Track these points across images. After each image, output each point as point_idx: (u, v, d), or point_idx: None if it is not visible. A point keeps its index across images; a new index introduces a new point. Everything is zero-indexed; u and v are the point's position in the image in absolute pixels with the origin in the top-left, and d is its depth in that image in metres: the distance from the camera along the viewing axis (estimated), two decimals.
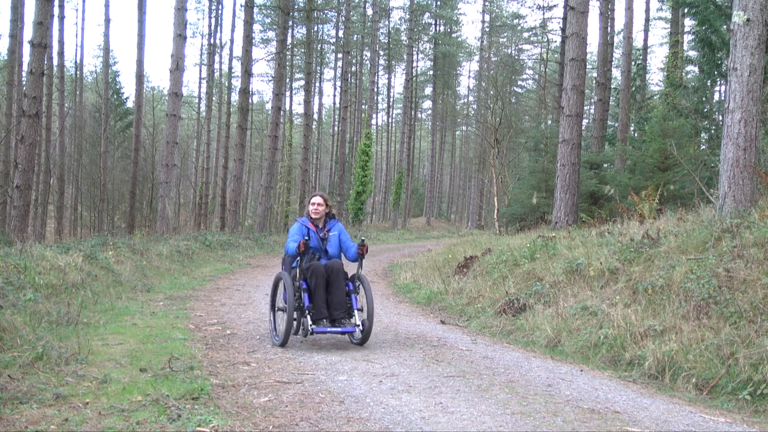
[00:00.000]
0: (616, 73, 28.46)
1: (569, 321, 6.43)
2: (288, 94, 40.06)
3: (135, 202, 25.89)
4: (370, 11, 38.27)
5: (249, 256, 16.75)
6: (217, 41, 35.52)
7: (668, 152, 11.91)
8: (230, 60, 33.69)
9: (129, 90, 55.17)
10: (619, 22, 23.84)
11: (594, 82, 24.83)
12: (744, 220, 6.68)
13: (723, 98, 14.99)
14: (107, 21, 28.13)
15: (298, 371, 5.03)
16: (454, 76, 50.46)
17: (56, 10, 22.61)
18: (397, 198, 38.61)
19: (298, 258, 6.11)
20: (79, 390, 4.25)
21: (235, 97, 30.96)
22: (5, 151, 19.37)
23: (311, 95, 29.93)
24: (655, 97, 24.06)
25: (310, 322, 5.82)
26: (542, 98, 29.74)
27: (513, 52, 47.34)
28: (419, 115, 55.01)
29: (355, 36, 39.22)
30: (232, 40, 34.11)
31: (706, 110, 15.25)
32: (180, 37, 18.53)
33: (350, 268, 6.34)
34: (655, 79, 38.94)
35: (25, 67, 18.45)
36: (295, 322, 5.95)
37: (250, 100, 30.20)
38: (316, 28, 38.44)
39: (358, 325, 5.91)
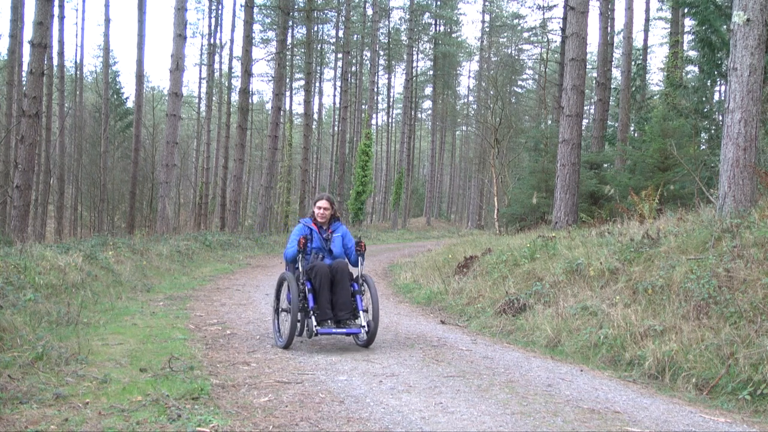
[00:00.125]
0: (616, 73, 28.48)
1: (569, 321, 6.43)
2: (288, 94, 40.07)
3: (135, 202, 25.89)
4: (370, 11, 38.28)
5: (249, 256, 16.75)
6: (217, 41, 35.56)
7: (668, 152, 11.91)
8: (230, 60, 33.71)
9: (129, 90, 55.22)
10: (619, 22, 23.87)
11: (594, 82, 24.83)
12: (744, 220, 6.67)
13: (723, 98, 15.00)
14: (107, 21, 28.14)
15: (298, 371, 5.03)
16: (454, 76, 50.47)
17: (56, 10, 22.62)
18: (397, 198, 38.61)
19: (301, 258, 6.06)
20: (79, 390, 4.25)
21: (235, 97, 30.98)
22: (5, 151, 19.37)
23: (311, 95, 29.93)
24: (655, 97, 24.07)
25: (314, 323, 5.72)
26: (542, 98, 29.74)
27: (513, 52, 47.35)
28: (419, 115, 55.02)
29: (355, 36, 39.23)
30: (232, 40, 34.15)
31: (706, 110, 15.25)
32: (180, 37, 18.53)
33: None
34: (655, 79, 38.98)
35: (25, 67, 18.45)
36: (299, 324, 5.87)
37: (250, 100, 30.20)
38: (316, 28, 38.45)
39: (364, 326, 5.81)
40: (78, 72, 34.18)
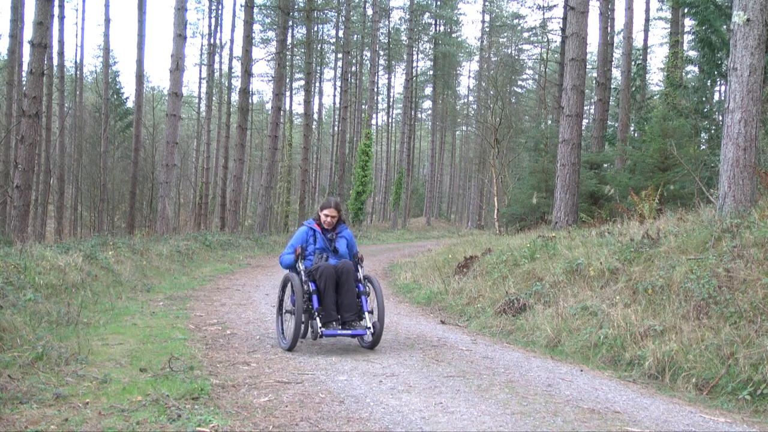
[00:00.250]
0: (616, 73, 28.49)
1: (569, 321, 6.43)
2: (288, 94, 40.08)
3: (135, 202, 25.90)
4: (370, 11, 38.28)
5: (249, 256, 16.75)
6: (217, 41, 35.56)
7: (668, 152, 11.90)
8: (230, 60, 33.71)
9: (129, 90, 55.27)
10: (619, 22, 23.87)
11: (594, 82, 24.83)
12: (744, 220, 6.67)
13: (723, 98, 15.00)
14: (107, 21, 28.14)
15: (298, 371, 5.03)
16: (454, 76, 50.47)
17: (56, 10, 22.62)
18: (397, 198, 38.61)
19: (300, 261, 6.00)
20: (79, 390, 4.24)
21: (235, 97, 30.98)
22: (5, 151, 19.38)
23: (311, 95, 29.93)
24: (655, 97, 24.07)
25: (319, 325, 5.63)
26: (542, 98, 29.74)
27: (513, 52, 47.36)
28: (419, 115, 55.03)
29: (355, 36, 39.23)
30: (232, 40, 34.15)
31: (706, 110, 15.25)
32: (180, 37, 18.53)
33: None
34: (655, 79, 38.99)
35: (25, 67, 18.46)
36: (303, 325, 5.79)
37: (250, 100, 30.21)
38: (316, 28, 38.47)
39: (369, 328, 5.72)
40: (78, 72, 34.19)
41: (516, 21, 43.24)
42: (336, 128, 42.79)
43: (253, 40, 25.74)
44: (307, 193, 34.13)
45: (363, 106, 40.24)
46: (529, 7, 42.12)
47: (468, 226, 39.99)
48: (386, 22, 44.52)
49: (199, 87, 42.00)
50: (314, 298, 5.76)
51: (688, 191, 11.88)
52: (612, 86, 24.51)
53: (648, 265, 6.73)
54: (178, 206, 36.24)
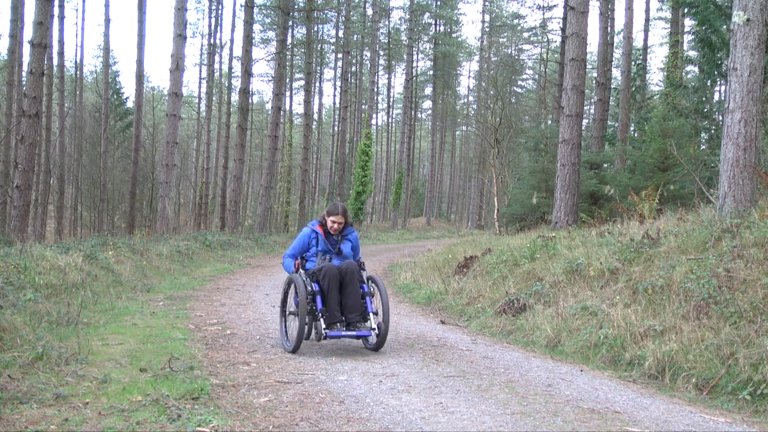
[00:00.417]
0: (616, 73, 28.49)
1: (569, 321, 6.43)
2: (288, 94, 40.08)
3: (135, 202, 25.90)
4: (370, 11, 38.28)
5: (249, 256, 16.75)
6: (217, 41, 35.56)
7: (668, 152, 11.91)
8: (230, 60, 33.71)
9: (129, 90, 55.26)
10: (619, 22, 23.88)
11: (594, 82, 24.83)
12: (744, 220, 6.67)
13: (723, 98, 15.00)
14: (107, 21, 28.14)
15: (298, 371, 5.03)
16: (454, 76, 50.47)
17: (56, 10, 22.62)
18: (397, 198, 38.61)
19: (305, 260, 5.96)
20: (79, 390, 4.24)
21: (235, 97, 30.98)
22: (5, 151, 19.38)
23: (311, 95, 29.93)
24: (655, 97, 24.07)
25: (323, 326, 5.54)
26: (542, 98, 29.74)
27: (513, 52, 47.36)
28: (419, 115, 55.03)
29: (355, 36, 39.22)
30: (232, 40, 34.15)
31: (706, 110, 15.25)
32: (180, 37, 18.53)
33: None
34: (655, 79, 39.00)
35: (25, 67, 18.46)
36: (306, 327, 5.73)
37: (250, 100, 30.21)
38: (316, 28, 38.46)
39: (374, 329, 5.65)
40: (78, 72, 34.19)
41: (516, 21, 43.26)
42: (336, 128, 42.80)
43: (253, 40, 25.74)
44: (307, 193, 34.12)
45: (363, 106, 40.24)
46: (529, 7, 42.18)
47: (468, 226, 40.00)
48: (386, 22, 44.53)
49: (199, 87, 42.04)
50: (318, 298, 5.69)
51: (688, 191, 11.88)
52: (612, 86, 24.51)
53: (648, 265, 6.73)
54: (178, 206, 36.24)
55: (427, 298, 9.74)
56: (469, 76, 54.51)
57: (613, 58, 26.24)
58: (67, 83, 32.56)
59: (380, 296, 5.80)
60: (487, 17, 44.83)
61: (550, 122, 24.15)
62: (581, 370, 5.30)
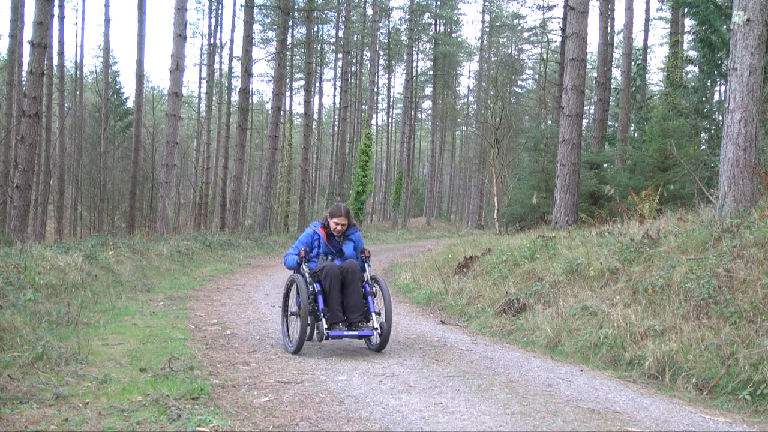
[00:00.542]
0: (616, 73, 28.48)
1: (569, 321, 6.43)
2: (288, 94, 40.07)
3: (135, 202, 25.90)
4: (370, 11, 38.28)
5: (249, 256, 16.75)
6: (217, 41, 35.56)
7: (668, 152, 11.91)
8: (230, 60, 33.71)
9: (129, 90, 55.24)
10: (619, 22, 23.87)
11: (594, 82, 24.83)
12: (744, 220, 6.67)
13: (723, 98, 15.00)
14: (107, 21, 28.14)
15: (298, 371, 5.03)
16: (454, 76, 50.47)
17: (56, 10, 22.62)
18: (397, 198, 38.61)
19: (305, 263, 5.91)
20: (79, 390, 4.24)
21: (235, 97, 30.98)
22: (5, 151, 19.38)
23: (311, 95, 29.93)
24: (655, 97, 24.07)
25: (325, 326, 5.52)
26: (542, 98, 29.74)
27: (513, 52, 47.36)
28: (419, 115, 55.03)
29: (355, 36, 39.22)
30: (232, 40, 34.15)
31: (706, 110, 15.25)
32: (180, 37, 18.53)
33: None
34: (655, 79, 39.00)
35: (25, 67, 18.46)
36: (308, 327, 5.69)
37: (250, 100, 30.20)
38: (316, 28, 38.46)
39: (377, 329, 5.61)
40: (78, 72, 34.19)
41: (516, 21, 43.25)
42: (336, 128, 42.80)
43: (253, 40, 25.75)
44: (307, 193, 34.11)
45: (363, 106, 40.24)
46: (529, 7, 42.19)
47: (468, 226, 40.00)
48: (386, 22, 44.53)
49: (199, 87, 42.04)
50: (319, 298, 5.66)
51: (688, 191, 11.88)
52: (612, 86, 24.50)
53: (648, 265, 6.73)
54: (178, 206, 36.24)
55: (427, 298, 9.74)
56: (469, 76, 54.58)
57: (613, 58, 26.24)
58: (67, 83, 32.56)
59: (383, 296, 5.76)
60: (487, 17, 44.85)
61: (550, 122, 24.15)
62: (581, 370, 5.30)
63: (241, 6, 29.47)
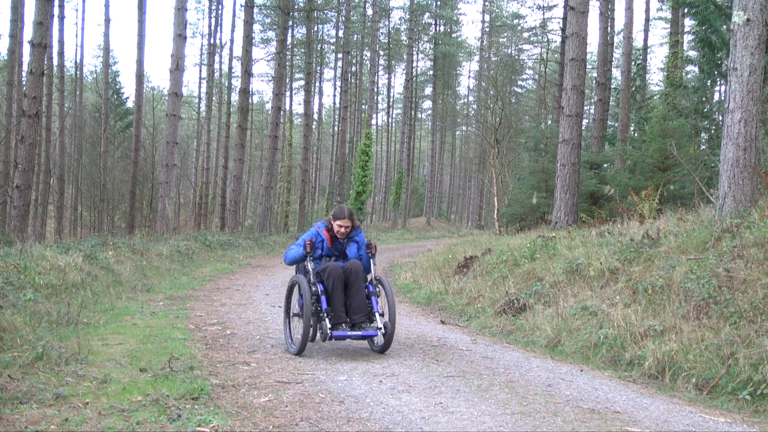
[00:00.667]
0: (616, 73, 28.48)
1: (569, 321, 6.43)
2: (288, 94, 40.08)
3: (135, 202, 25.90)
4: (370, 11, 38.27)
5: (249, 256, 16.75)
6: (217, 41, 35.56)
7: (668, 152, 11.91)
8: (230, 60, 33.71)
9: (129, 90, 55.24)
10: (619, 22, 23.87)
11: (594, 82, 24.83)
12: (744, 220, 6.67)
13: (723, 98, 15.00)
14: (107, 21, 28.15)
15: (298, 371, 5.03)
16: (454, 76, 50.47)
17: (56, 10, 22.62)
18: (397, 198, 38.61)
19: (309, 261, 5.82)
20: (79, 390, 4.24)
21: (235, 97, 30.98)
22: (5, 151, 19.38)
23: (311, 95, 29.93)
24: (655, 97, 24.07)
25: (329, 326, 5.46)
26: (542, 98, 29.74)
27: (513, 52, 47.37)
28: (419, 115, 55.03)
29: (355, 36, 39.22)
30: (232, 40, 34.15)
31: (706, 110, 15.25)
32: (180, 37, 18.53)
33: None
34: (655, 79, 39.01)
35: (25, 67, 18.46)
36: (311, 328, 5.64)
37: (250, 100, 30.21)
38: (316, 28, 38.46)
39: (380, 329, 5.55)
40: (78, 72, 34.19)
41: (516, 21, 43.26)
42: (336, 128, 42.79)
43: (253, 40, 25.75)
44: (307, 193, 34.12)
45: (363, 106, 40.24)
46: (529, 7, 42.17)
47: (468, 226, 40.00)
48: (386, 22, 44.53)
49: (199, 87, 42.04)
50: (323, 298, 5.61)
51: (688, 191, 11.88)
52: (612, 86, 24.50)
53: (648, 265, 6.73)
54: (178, 206, 36.25)
55: (427, 298, 9.74)
56: (469, 76, 54.58)
57: (613, 58, 26.24)
58: (67, 83, 32.56)
59: (386, 296, 5.72)
60: (487, 17, 44.85)
61: (550, 122, 24.14)
62: (581, 370, 5.30)
63: (241, 6, 29.50)
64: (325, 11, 35.55)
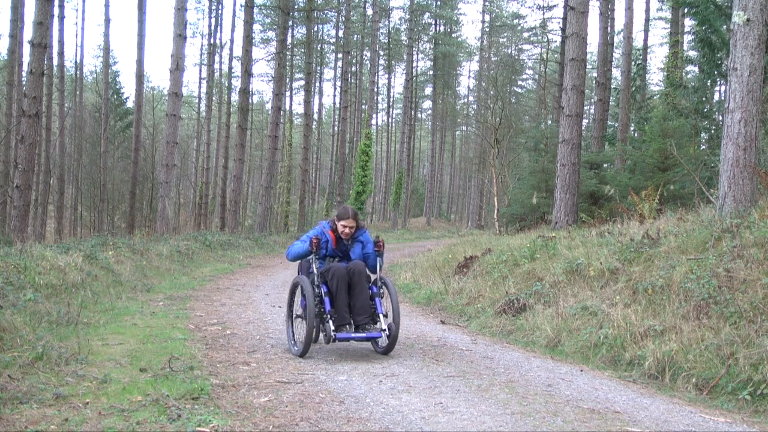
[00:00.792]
0: (616, 73, 28.48)
1: (569, 321, 6.43)
2: (288, 94, 40.07)
3: (135, 202, 25.90)
4: (370, 11, 38.28)
5: (249, 256, 16.75)
6: (217, 41, 35.56)
7: (668, 152, 11.91)
8: (230, 60, 33.71)
9: (129, 90, 55.21)
10: (619, 22, 23.87)
11: (594, 82, 24.83)
12: (744, 220, 6.67)
13: (723, 98, 14.99)
14: (107, 21, 28.15)
15: (298, 371, 5.03)
16: (454, 76, 50.47)
17: (56, 10, 22.61)
18: (397, 198, 38.60)
19: (314, 260, 5.75)
20: (79, 390, 4.24)
21: (235, 97, 30.98)
22: (5, 151, 19.38)
23: (311, 95, 29.93)
24: (655, 97, 24.07)
25: (332, 328, 5.41)
26: (542, 98, 29.74)
27: (513, 52, 47.36)
28: (419, 115, 55.02)
29: (355, 36, 39.22)
30: (232, 40, 34.16)
31: (706, 110, 15.25)
32: (180, 37, 18.53)
33: None
34: (655, 79, 39.01)
35: (25, 67, 18.46)
36: (314, 329, 5.58)
37: (250, 100, 30.21)
38: (316, 28, 38.46)
39: (384, 330, 5.49)
40: (78, 72, 34.18)
41: (516, 21, 43.26)
42: (336, 128, 42.80)
43: (253, 40, 25.75)
44: (307, 193, 34.12)
45: (363, 106, 40.24)
46: (529, 7, 42.20)
47: (468, 226, 40.00)
48: (386, 22, 44.52)
49: (199, 87, 42.05)
50: (326, 300, 5.55)
51: (688, 191, 11.88)
52: (612, 86, 24.50)
53: (648, 265, 6.73)
54: (178, 206, 36.25)
55: (427, 298, 9.74)
56: (469, 76, 54.57)
57: (613, 58, 26.24)
58: (67, 83, 32.56)
59: (390, 298, 5.66)
60: (487, 17, 44.84)
61: (550, 122, 24.14)
62: (581, 370, 5.30)
63: (241, 6, 29.50)
64: (325, 11, 35.56)
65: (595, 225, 10.79)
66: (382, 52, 44.13)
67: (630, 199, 10.79)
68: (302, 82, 40.39)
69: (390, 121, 54.33)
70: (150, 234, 17.53)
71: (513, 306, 7.44)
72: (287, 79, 37.47)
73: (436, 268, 11.51)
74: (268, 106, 45.16)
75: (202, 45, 41.80)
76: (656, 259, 6.76)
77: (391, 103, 53.14)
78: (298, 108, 46.91)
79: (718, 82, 18.04)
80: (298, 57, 41.19)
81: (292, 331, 5.88)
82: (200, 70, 44.12)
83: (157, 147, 33.34)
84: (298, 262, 6.12)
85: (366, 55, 43.11)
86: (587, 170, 15.80)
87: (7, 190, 17.33)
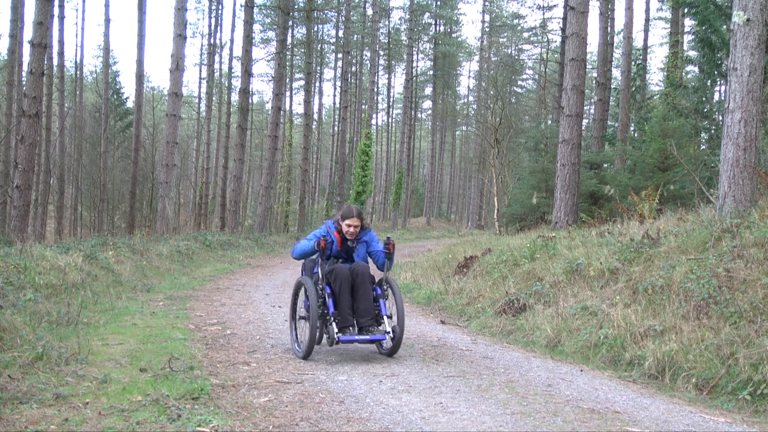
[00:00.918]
0: (616, 73, 28.48)
1: (569, 321, 6.43)
2: (288, 94, 40.08)
3: (135, 202, 25.90)
4: (370, 11, 38.27)
5: (249, 256, 16.75)
6: (217, 41, 35.56)
7: (668, 152, 11.90)
8: (230, 60, 33.71)
9: (129, 90, 55.25)
10: (619, 22, 23.87)
11: (594, 82, 24.83)
12: (744, 220, 6.67)
13: (723, 98, 15.00)
14: (107, 21, 28.15)
15: (298, 371, 5.03)
16: (454, 76, 50.47)
17: (56, 10, 22.62)
18: (397, 198, 38.60)
19: (320, 261, 5.68)
20: (79, 390, 4.24)
21: (235, 97, 30.99)
22: (5, 151, 19.38)
23: (311, 95, 29.93)
24: (655, 97, 24.07)
25: (335, 330, 5.35)
26: (542, 98, 29.74)
27: (513, 52, 47.37)
28: (419, 115, 55.03)
29: (355, 36, 39.22)
30: (232, 40, 34.16)
31: (706, 110, 15.25)
32: (180, 37, 18.53)
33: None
34: (655, 79, 39.01)
35: (25, 67, 18.46)
36: (318, 331, 5.52)
37: (250, 100, 30.21)
38: (316, 28, 38.46)
39: (389, 332, 5.43)
40: (78, 72, 34.18)
41: (516, 21, 43.26)
42: (336, 128, 42.80)
43: (253, 40, 25.75)
44: (307, 193, 34.12)
45: (363, 106, 40.24)
46: (529, 7, 42.19)
47: (468, 226, 40.00)
48: (386, 22, 44.53)
49: (199, 87, 42.05)
50: (330, 301, 5.49)
51: (688, 191, 11.88)
52: (612, 86, 24.50)
53: (648, 265, 6.73)
54: (178, 206, 36.25)
55: (427, 298, 9.74)
56: (469, 76, 54.58)
57: (613, 58, 26.24)
58: (67, 83, 32.56)
59: (395, 299, 5.60)
60: (487, 17, 44.85)
61: (550, 122, 24.14)
62: (581, 370, 5.30)
63: (241, 6, 29.51)
64: (325, 11, 35.56)
65: (595, 225, 10.80)
66: (382, 52, 44.13)
67: (630, 199, 10.79)
68: (302, 82, 40.40)
69: (390, 121, 54.36)
70: (150, 234, 17.53)
71: (513, 306, 7.44)
72: (287, 79, 37.48)
73: (436, 268, 11.51)
74: (268, 106, 45.20)
75: (202, 45, 41.86)
76: (656, 259, 6.76)
77: (391, 103, 53.15)
78: (298, 108, 46.98)
79: (718, 82, 18.04)
80: (298, 57, 41.20)
81: (296, 333, 5.83)
82: (200, 70, 44.17)
83: (157, 147, 33.34)
84: (302, 262, 6.07)
85: (366, 55, 43.12)
86: (587, 170, 15.80)
87: (7, 190, 17.33)
